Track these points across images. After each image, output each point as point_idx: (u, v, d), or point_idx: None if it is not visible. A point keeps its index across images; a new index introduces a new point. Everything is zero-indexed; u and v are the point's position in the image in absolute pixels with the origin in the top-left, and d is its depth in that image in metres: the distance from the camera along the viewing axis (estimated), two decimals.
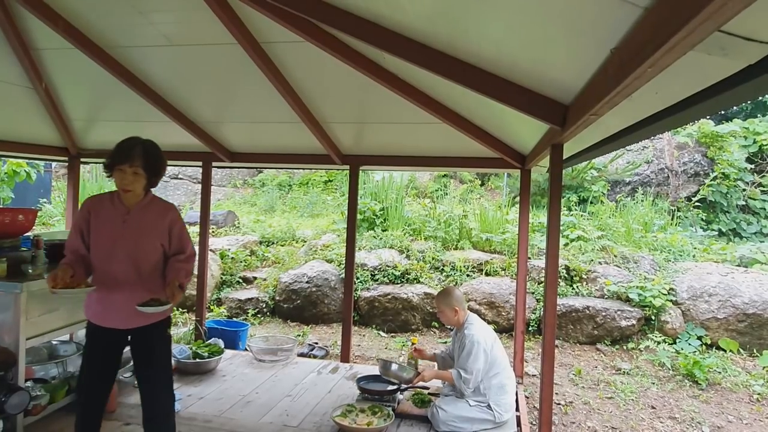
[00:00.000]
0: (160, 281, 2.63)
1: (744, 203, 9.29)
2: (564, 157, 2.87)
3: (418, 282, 6.73)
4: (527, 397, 4.56)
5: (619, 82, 1.41)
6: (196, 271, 5.83)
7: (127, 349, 2.68)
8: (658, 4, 1.12)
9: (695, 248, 7.55)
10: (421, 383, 3.80)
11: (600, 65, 1.68)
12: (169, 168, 13.92)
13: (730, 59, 1.24)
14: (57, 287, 2.37)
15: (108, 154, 2.53)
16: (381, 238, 7.58)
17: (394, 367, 3.71)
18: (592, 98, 1.76)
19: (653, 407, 4.64)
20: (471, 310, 6.32)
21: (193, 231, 7.98)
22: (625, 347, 5.96)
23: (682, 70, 1.30)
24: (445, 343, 5.68)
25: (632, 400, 4.76)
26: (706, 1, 0.85)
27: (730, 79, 1.37)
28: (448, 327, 6.03)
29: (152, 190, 2.71)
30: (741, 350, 5.81)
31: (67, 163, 5.45)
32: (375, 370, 4.37)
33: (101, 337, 2.59)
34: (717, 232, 8.96)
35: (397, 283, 6.72)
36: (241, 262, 7.53)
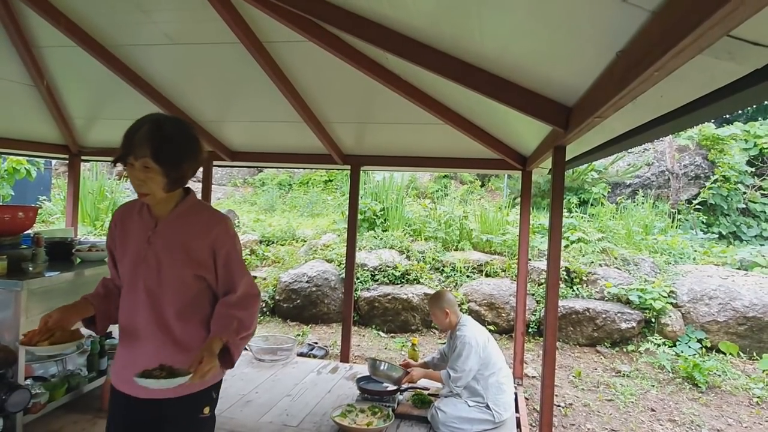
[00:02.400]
0: (202, 334, 1.83)
1: (744, 206, 9.29)
2: (566, 159, 2.87)
3: (418, 282, 6.73)
4: (527, 399, 4.55)
5: (624, 85, 1.40)
6: None
7: None
8: (666, 8, 1.12)
9: (695, 251, 7.56)
10: (418, 383, 3.82)
11: (605, 68, 1.67)
12: None
13: (737, 63, 1.24)
14: (33, 340, 1.72)
15: None
16: (381, 239, 7.58)
17: (383, 366, 3.75)
18: (597, 101, 1.76)
19: (653, 410, 4.64)
20: (471, 311, 6.35)
21: None
22: (625, 349, 5.96)
23: (688, 73, 1.30)
24: (444, 344, 5.67)
25: (632, 402, 4.75)
26: (716, 6, 0.84)
27: (736, 83, 1.37)
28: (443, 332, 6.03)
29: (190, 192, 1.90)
30: (741, 353, 5.81)
31: (67, 161, 5.44)
32: None
33: (123, 406, 1.85)
34: (717, 235, 8.96)
35: (397, 284, 6.72)
36: None
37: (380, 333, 6.45)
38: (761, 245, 8.45)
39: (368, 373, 3.88)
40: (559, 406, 4.62)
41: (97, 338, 3.83)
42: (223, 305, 1.82)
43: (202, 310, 1.85)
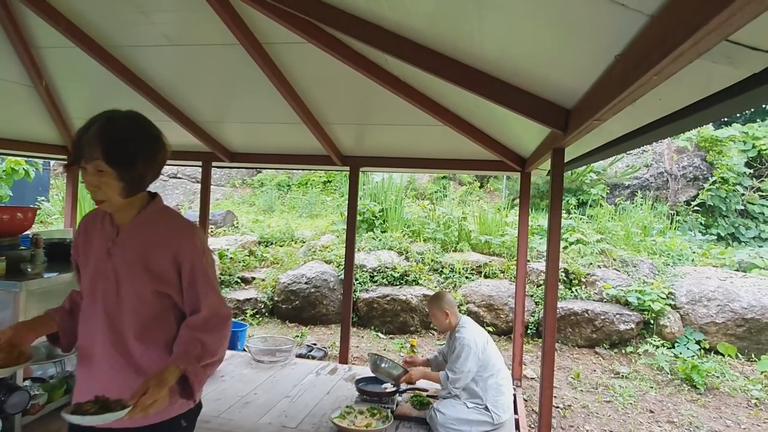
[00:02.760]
0: (166, 358, 1.61)
1: (743, 208, 9.31)
2: (565, 161, 2.88)
3: (417, 284, 6.73)
4: (526, 400, 4.56)
5: (623, 88, 1.41)
6: None
7: None
8: (665, 13, 1.12)
9: (694, 252, 7.57)
10: (415, 383, 3.83)
11: (604, 71, 1.68)
12: (167, 167, 13.52)
13: (735, 68, 1.25)
14: None
15: None
16: (380, 240, 7.58)
17: (384, 364, 3.77)
18: (596, 104, 1.76)
19: (651, 411, 4.64)
20: (470, 312, 6.35)
21: None
22: (623, 351, 5.96)
23: (687, 77, 1.31)
24: (443, 345, 5.69)
25: (631, 404, 4.76)
26: (715, 11, 0.85)
27: (734, 87, 1.37)
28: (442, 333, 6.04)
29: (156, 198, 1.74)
30: (739, 355, 5.82)
31: (66, 162, 5.43)
32: None
33: None
34: (716, 237, 8.98)
35: (396, 285, 6.72)
36: (239, 262, 7.52)
37: (379, 334, 6.45)
38: (759, 247, 8.46)
39: (368, 370, 3.90)
40: (557, 407, 4.62)
41: None
42: (187, 327, 1.62)
43: (167, 331, 1.65)
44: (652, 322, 6.06)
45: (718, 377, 5.31)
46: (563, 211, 8.61)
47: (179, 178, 11.87)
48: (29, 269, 3.18)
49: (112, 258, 1.64)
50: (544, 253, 3.32)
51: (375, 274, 6.81)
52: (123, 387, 1.53)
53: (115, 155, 1.52)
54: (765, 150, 9.51)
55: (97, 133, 1.52)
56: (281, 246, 8.05)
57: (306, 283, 6.75)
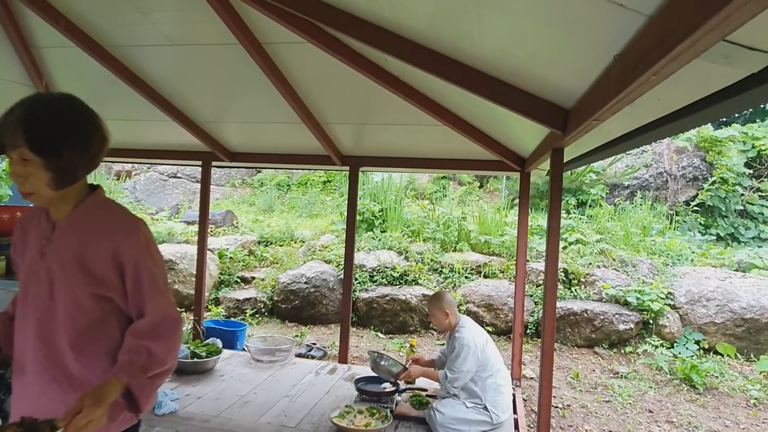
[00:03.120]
0: (107, 369, 1.47)
1: (742, 208, 9.32)
2: (564, 161, 2.88)
3: (417, 283, 6.73)
4: (525, 400, 4.56)
5: (622, 88, 1.41)
6: (193, 270, 5.75)
7: None
8: (663, 13, 1.13)
9: (693, 253, 7.57)
10: (414, 381, 3.84)
11: (603, 71, 1.69)
12: (167, 167, 13.33)
13: (733, 68, 1.25)
14: None
15: None
16: (380, 240, 7.58)
17: (384, 362, 3.78)
18: (594, 104, 1.77)
19: (651, 411, 4.65)
20: (469, 312, 6.35)
21: (192, 230, 7.98)
22: (622, 351, 5.97)
23: (685, 77, 1.31)
24: (443, 345, 5.69)
25: (630, 403, 4.76)
26: (712, 12, 0.85)
27: (733, 87, 1.38)
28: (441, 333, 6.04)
29: (100, 191, 1.58)
30: (738, 355, 5.82)
31: None
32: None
33: None
34: (715, 237, 8.98)
35: (396, 285, 6.72)
36: (239, 261, 7.52)
37: (378, 334, 6.45)
38: (759, 247, 8.47)
39: (368, 370, 3.91)
40: (557, 407, 4.63)
41: None
42: (131, 334, 1.45)
43: (108, 339, 1.49)
44: (651, 322, 6.06)
45: (717, 377, 5.32)
46: (563, 211, 8.62)
47: (179, 177, 11.87)
48: None
49: (45, 258, 1.48)
50: (544, 253, 3.34)
51: (374, 273, 6.81)
52: (55, 402, 1.41)
53: (39, 141, 1.36)
54: (764, 150, 9.52)
55: (19, 117, 1.37)
56: (281, 246, 8.05)
57: (305, 282, 6.75)
